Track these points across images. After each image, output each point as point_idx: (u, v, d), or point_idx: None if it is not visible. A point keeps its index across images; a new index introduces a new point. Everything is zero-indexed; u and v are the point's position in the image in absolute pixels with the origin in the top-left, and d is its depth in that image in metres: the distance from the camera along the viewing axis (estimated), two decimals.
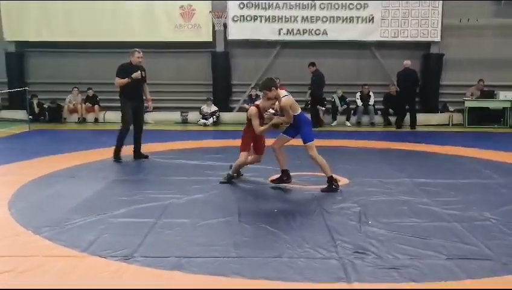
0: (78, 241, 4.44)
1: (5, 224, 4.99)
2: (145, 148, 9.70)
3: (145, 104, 8.77)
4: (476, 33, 14.93)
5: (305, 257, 4.14)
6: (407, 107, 13.77)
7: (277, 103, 6.30)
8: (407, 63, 13.74)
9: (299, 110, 6.31)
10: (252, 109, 6.53)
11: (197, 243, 4.47)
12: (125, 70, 8.34)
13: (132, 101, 8.38)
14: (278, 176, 6.68)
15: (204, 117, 14.39)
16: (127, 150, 8.59)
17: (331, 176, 6.36)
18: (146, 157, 8.61)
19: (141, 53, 8.49)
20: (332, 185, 6.32)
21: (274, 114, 6.38)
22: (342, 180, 6.94)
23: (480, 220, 5.18)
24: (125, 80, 8.26)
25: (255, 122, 6.42)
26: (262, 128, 6.45)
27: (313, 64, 13.83)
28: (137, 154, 8.60)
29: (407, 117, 13.84)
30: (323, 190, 6.29)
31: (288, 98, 6.18)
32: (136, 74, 8.26)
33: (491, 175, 7.44)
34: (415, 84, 13.78)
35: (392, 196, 6.18)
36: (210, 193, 6.23)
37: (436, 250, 4.28)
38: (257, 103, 6.66)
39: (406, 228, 4.87)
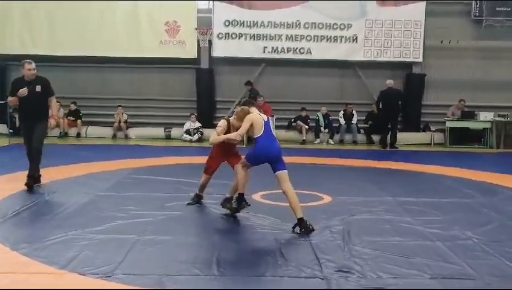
0: (57, 258, 4.34)
1: None
2: (127, 163, 9.62)
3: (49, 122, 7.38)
4: (457, 55, 15.20)
5: (288, 275, 4.11)
6: (389, 126, 13.91)
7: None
8: (390, 82, 13.91)
9: (259, 134, 5.60)
10: (223, 122, 6.08)
11: (179, 260, 4.41)
12: (16, 86, 7.15)
13: (26, 119, 7.30)
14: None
15: (189, 133, 14.34)
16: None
17: (240, 193, 5.85)
18: (33, 184, 7.19)
19: (32, 64, 7.19)
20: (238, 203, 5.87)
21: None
22: (325, 198, 6.94)
23: (463, 239, 5.21)
24: (13, 99, 7.16)
25: (217, 130, 5.95)
26: (217, 138, 5.92)
27: (249, 82, 14.49)
28: (31, 181, 7.16)
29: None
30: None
31: (253, 115, 5.68)
32: (22, 91, 7.01)
33: (473, 194, 7.51)
34: (398, 104, 13.93)
35: (375, 214, 6.19)
36: (193, 210, 6.17)
37: (420, 269, 4.28)
38: (231, 119, 6.12)
39: (389, 247, 4.86)
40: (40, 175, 7.41)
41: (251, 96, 14.16)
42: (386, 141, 13.92)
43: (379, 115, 14.17)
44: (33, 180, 7.22)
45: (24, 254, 4.46)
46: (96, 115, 15.38)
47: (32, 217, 5.73)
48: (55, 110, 7.61)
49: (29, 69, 7.15)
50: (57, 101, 14.33)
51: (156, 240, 4.94)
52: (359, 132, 14.81)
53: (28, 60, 7.23)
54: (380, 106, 13.88)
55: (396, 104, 13.79)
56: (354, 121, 14.74)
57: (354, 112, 14.81)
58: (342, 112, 14.83)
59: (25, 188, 7.08)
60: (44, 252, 4.51)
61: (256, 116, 5.67)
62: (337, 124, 14.83)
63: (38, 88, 7.18)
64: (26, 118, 7.29)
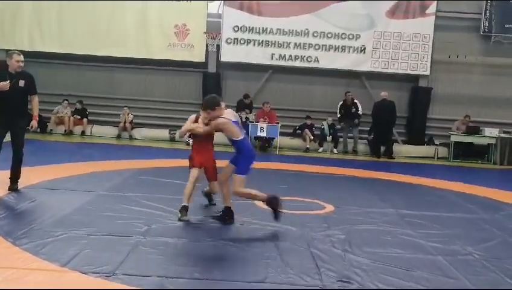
0: (58, 255, 4.36)
1: None
2: (131, 164, 9.64)
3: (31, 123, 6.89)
4: (464, 70, 15.21)
5: (288, 283, 4.11)
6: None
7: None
8: (385, 94, 14.00)
9: (240, 137, 5.82)
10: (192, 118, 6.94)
11: (180, 263, 4.43)
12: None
13: (4, 116, 6.57)
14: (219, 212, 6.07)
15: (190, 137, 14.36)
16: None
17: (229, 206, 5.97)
18: (15, 189, 6.76)
19: (21, 56, 6.68)
20: (225, 216, 5.91)
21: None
22: (328, 207, 6.95)
23: (463, 254, 5.20)
24: None
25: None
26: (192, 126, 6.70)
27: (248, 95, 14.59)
28: (12, 185, 6.78)
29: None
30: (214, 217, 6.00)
31: (222, 120, 5.81)
32: (3, 84, 6.45)
33: (475, 210, 7.49)
34: (391, 115, 14.01)
35: (377, 225, 6.19)
36: (195, 213, 6.17)
37: (420, 283, 4.28)
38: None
39: (389, 259, 4.86)
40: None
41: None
42: (379, 151, 13.99)
43: (373, 125, 14.25)
44: (14, 183, 6.81)
45: (25, 249, 4.48)
46: (102, 115, 15.44)
47: (35, 214, 5.74)
48: (37, 110, 6.97)
49: (18, 61, 6.61)
50: (66, 100, 14.87)
51: (157, 241, 4.96)
52: (361, 138, 14.79)
53: (17, 51, 6.75)
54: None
55: (389, 115, 13.85)
56: (358, 118, 14.54)
57: (358, 107, 14.57)
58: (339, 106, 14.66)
59: (29, 183, 7.11)
60: (46, 249, 4.53)
61: (224, 121, 5.81)
62: (341, 133, 14.77)
63: (21, 83, 6.62)
64: (6, 114, 6.57)
